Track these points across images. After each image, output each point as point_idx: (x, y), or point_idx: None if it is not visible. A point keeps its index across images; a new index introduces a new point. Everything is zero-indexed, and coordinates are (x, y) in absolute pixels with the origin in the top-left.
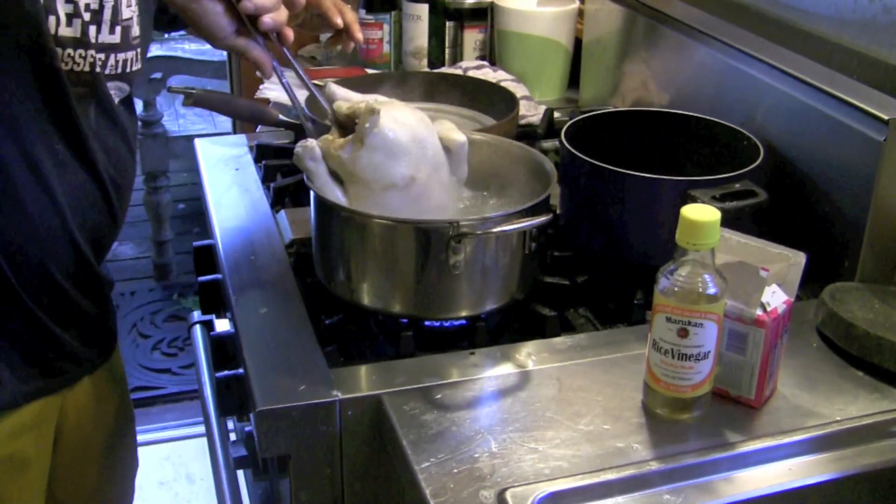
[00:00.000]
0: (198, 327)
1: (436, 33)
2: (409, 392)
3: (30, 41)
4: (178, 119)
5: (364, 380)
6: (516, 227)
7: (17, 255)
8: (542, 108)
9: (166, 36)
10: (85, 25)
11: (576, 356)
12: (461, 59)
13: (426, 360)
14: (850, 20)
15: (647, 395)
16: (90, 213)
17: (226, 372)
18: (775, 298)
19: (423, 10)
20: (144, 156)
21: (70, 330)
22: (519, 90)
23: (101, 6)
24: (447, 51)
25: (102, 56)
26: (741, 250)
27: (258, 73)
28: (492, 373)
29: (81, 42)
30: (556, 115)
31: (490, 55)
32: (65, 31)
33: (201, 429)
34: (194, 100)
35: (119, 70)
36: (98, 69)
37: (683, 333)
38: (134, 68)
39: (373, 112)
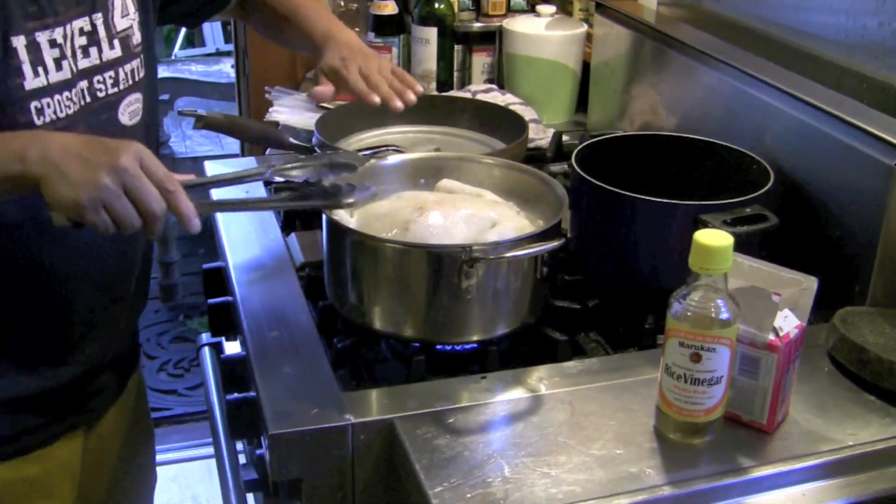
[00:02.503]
0: (207, 350)
1: (444, 57)
2: (421, 416)
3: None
4: (184, 140)
5: (376, 404)
6: (528, 253)
7: (36, 306)
8: (551, 132)
9: (173, 57)
10: (75, 53)
11: (587, 381)
12: (470, 83)
13: (438, 384)
14: (859, 44)
15: (660, 420)
16: (106, 262)
17: (237, 395)
18: (787, 323)
19: (432, 33)
20: None
21: (95, 369)
22: (527, 113)
23: (94, 26)
24: (456, 74)
25: (112, 74)
26: (753, 275)
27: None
28: (503, 397)
29: (96, 69)
30: (565, 138)
31: (498, 78)
32: (55, 77)
33: (208, 450)
34: (205, 123)
35: (130, 81)
36: (119, 87)
37: (696, 358)
38: (140, 75)
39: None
